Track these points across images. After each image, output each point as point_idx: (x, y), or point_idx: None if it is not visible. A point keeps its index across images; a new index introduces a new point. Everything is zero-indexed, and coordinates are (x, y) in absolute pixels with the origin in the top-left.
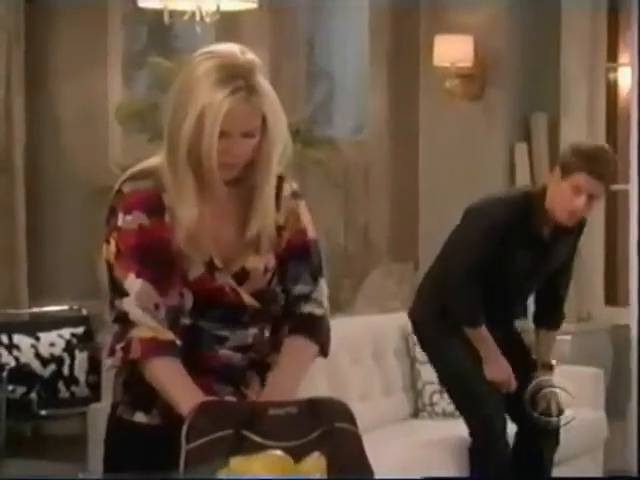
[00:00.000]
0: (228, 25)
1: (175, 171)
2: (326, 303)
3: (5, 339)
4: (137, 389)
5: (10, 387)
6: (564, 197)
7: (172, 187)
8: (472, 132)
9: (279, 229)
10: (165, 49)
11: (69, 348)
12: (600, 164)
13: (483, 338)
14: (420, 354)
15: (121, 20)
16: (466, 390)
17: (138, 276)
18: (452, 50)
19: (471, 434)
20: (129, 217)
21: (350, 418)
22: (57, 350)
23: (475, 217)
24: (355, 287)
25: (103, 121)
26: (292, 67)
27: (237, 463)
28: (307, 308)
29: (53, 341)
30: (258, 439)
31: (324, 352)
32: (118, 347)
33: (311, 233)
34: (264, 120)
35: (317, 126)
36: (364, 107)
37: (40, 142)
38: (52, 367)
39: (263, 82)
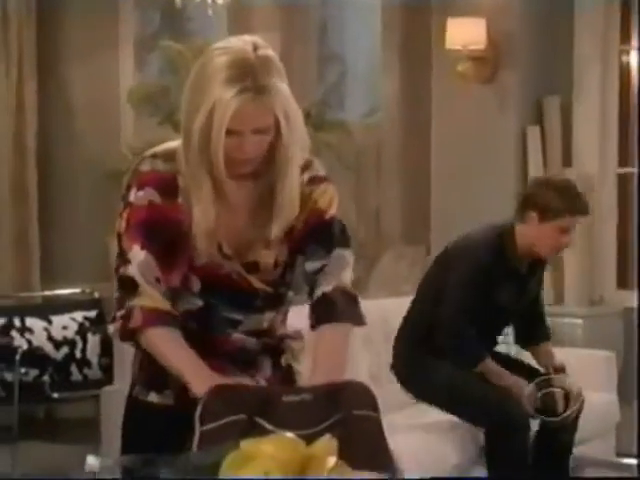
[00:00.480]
0: (240, 7)
1: (190, 167)
2: (344, 274)
3: (18, 322)
4: (151, 370)
5: (23, 370)
6: (549, 238)
7: (189, 183)
8: (484, 115)
9: (295, 218)
10: (177, 32)
11: (81, 331)
12: (580, 200)
13: (490, 369)
14: None
15: (133, 3)
16: (470, 392)
17: (142, 248)
18: (464, 33)
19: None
20: (141, 193)
21: (371, 404)
22: (70, 333)
23: (460, 261)
24: (367, 270)
25: (115, 105)
26: (304, 50)
27: (247, 445)
28: (320, 289)
29: (65, 324)
30: (270, 427)
31: (358, 322)
32: (118, 315)
33: (331, 212)
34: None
35: (329, 109)
36: (376, 90)
37: (52, 126)
38: (65, 350)
39: (274, 80)
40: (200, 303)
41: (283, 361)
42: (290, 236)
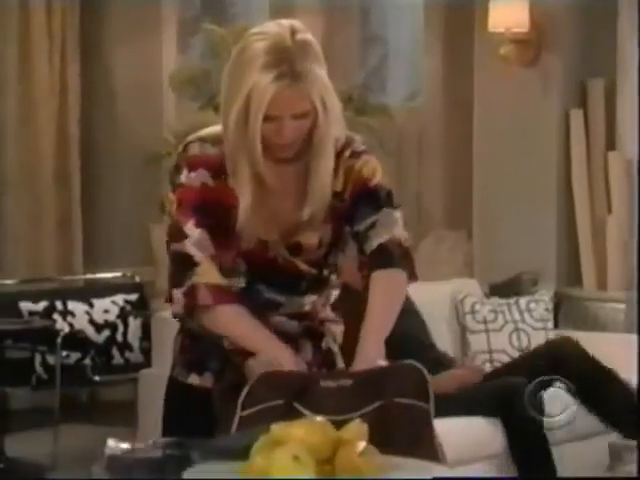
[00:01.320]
0: None
1: (229, 151)
2: (397, 229)
3: (60, 305)
4: (192, 352)
5: (64, 353)
6: None
7: (229, 166)
8: (527, 98)
9: (339, 194)
10: (219, 15)
11: (123, 315)
12: None
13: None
14: (471, 323)
15: None
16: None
17: (197, 225)
18: (507, 15)
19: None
20: (193, 174)
21: (417, 391)
22: (111, 316)
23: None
24: None
25: (157, 88)
26: (346, 32)
27: (277, 429)
28: (375, 241)
29: (107, 308)
30: (307, 412)
31: (411, 275)
32: (179, 293)
33: (375, 180)
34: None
35: (370, 93)
36: (418, 73)
37: (95, 110)
38: (106, 333)
39: (311, 66)
40: (242, 284)
41: (323, 344)
42: (335, 213)
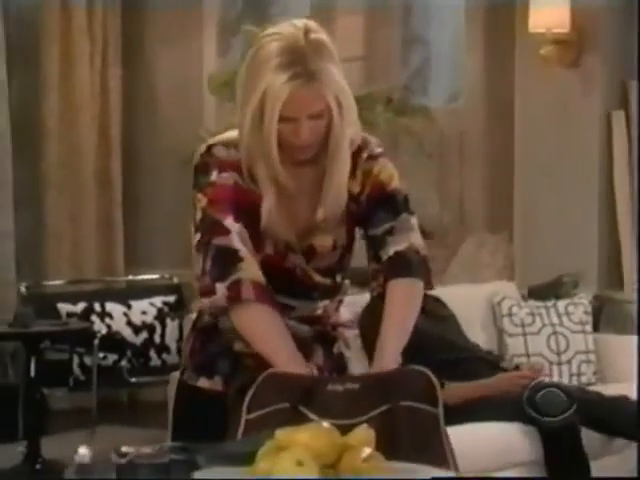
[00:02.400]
0: None
1: (244, 155)
2: (415, 235)
3: (98, 307)
4: (202, 355)
5: (101, 354)
6: None
7: (245, 170)
8: (568, 99)
9: (356, 196)
10: (260, 15)
11: (160, 316)
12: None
13: (457, 391)
14: (508, 326)
15: None
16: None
17: (236, 221)
18: (548, 16)
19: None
20: (225, 174)
21: (425, 395)
22: (149, 318)
23: (371, 327)
24: (448, 257)
25: (198, 90)
26: (387, 33)
27: (282, 434)
28: (392, 249)
29: (145, 309)
30: (313, 416)
31: (428, 284)
32: (221, 286)
33: (392, 184)
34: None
35: (412, 95)
36: (460, 75)
37: (136, 112)
38: (144, 335)
39: (325, 65)
40: None
41: (335, 349)
42: (350, 215)
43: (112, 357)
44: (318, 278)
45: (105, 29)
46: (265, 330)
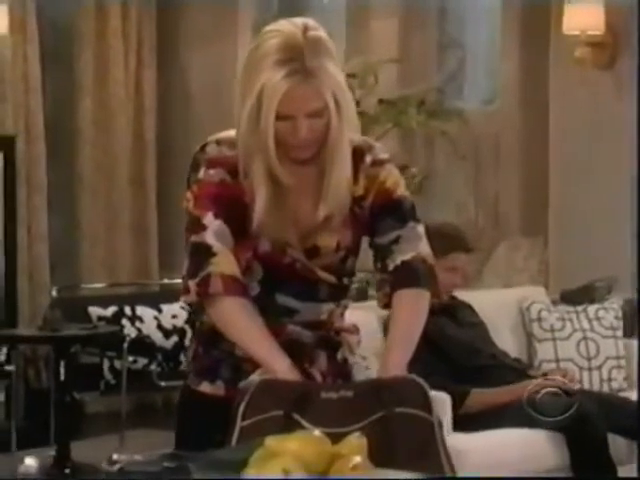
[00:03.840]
0: None
1: (241, 153)
2: (422, 245)
3: (129, 311)
4: (204, 360)
5: (131, 358)
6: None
7: (242, 168)
8: (603, 102)
9: (359, 200)
10: (295, 17)
11: (191, 320)
12: (461, 239)
13: (483, 397)
14: (537, 331)
15: None
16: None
17: (216, 217)
18: (582, 17)
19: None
20: (212, 171)
21: (419, 402)
22: (179, 322)
23: None
24: (483, 260)
25: (233, 91)
26: (423, 36)
27: (272, 441)
28: (398, 258)
29: (175, 313)
30: (307, 424)
31: (433, 293)
32: (192, 283)
33: (399, 192)
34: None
35: (447, 97)
36: (495, 77)
37: (171, 114)
38: (174, 339)
39: (323, 62)
40: (258, 289)
41: (339, 355)
42: (355, 219)
43: (142, 361)
44: (321, 273)
45: (139, 31)
46: (237, 320)
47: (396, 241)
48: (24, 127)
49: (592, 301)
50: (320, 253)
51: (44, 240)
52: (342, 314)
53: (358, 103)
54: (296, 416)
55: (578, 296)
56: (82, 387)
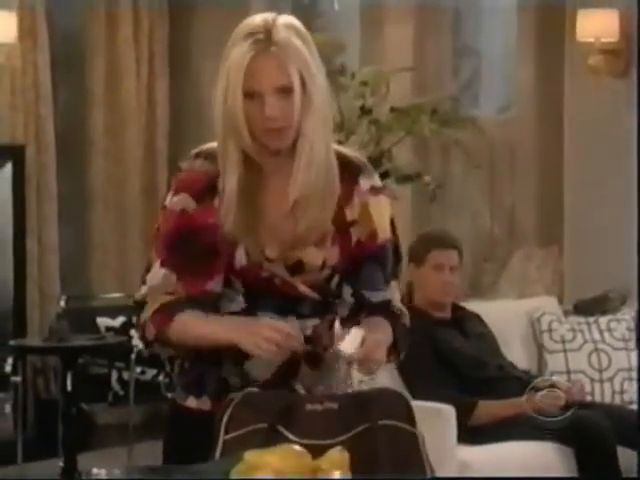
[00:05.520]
0: (372, 2)
1: (218, 140)
2: (398, 305)
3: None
4: (190, 374)
5: (139, 369)
6: (429, 279)
7: (220, 159)
8: (618, 110)
9: (351, 224)
10: (308, 27)
11: None
12: (444, 236)
13: (490, 409)
14: (548, 342)
15: None
16: None
17: (162, 265)
18: (596, 24)
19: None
20: (176, 198)
21: (403, 415)
22: None
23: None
24: (498, 270)
25: None
26: (438, 44)
27: (252, 456)
28: (380, 297)
29: None
30: (291, 436)
31: (397, 348)
32: (136, 335)
33: (382, 234)
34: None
35: (463, 105)
36: (511, 85)
37: (183, 124)
38: None
39: (292, 39)
40: (244, 304)
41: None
42: (343, 240)
43: (151, 372)
44: (303, 288)
45: (151, 39)
46: (181, 332)
47: (380, 302)
48: (34, 136)
49: (605, 312)
50: (304, 269)
51: (54, 250)
52: (330, 328)
53: (370, 111)
54: (281, 428)
55: (592, 307)
56: (90, 398)
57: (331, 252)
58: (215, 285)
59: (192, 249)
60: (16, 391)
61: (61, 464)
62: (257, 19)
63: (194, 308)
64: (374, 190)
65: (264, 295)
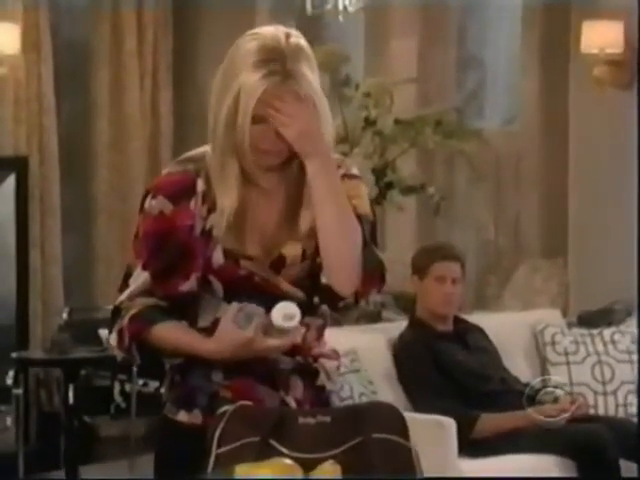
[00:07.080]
0: (377, 12)
1: (217, 155)
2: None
3: None
4: (181, 388)
5: (141, 381)
6: (432, 291)
7: (215, 172)
8: (623, 122)
9: None
10: (313, 39)
11: None
12: (445, 248)
13: (492, 422)
14: (551, 354)
15: (269, 10)
16: None
17: (144, 268)
18: (601, 36)
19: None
20: (154, 202)
21: (396, 428)
22: None
23: (406, 358)
24: (503, 282)
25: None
26: (442, 56)
27: (243, 469)
28: None
29: None
30: (284, 450)
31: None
32: (113, 340)
33: (360, 209)
34: None
35: (467, 116)
36: (515, 96)
37: (187, 135)
38: None
39: (303, 68)
40: (224, 304)
41: (318, 382)
42: None
43: (153, 384)
44: (286, 286)
45: (155, 51)
46: (162, 339)
47: None
48: (38, 147)
49: (610, 324)
50: (286, 263)
51: (57, 262)
52: (318, 338)
53: (374, 122)
54: (273, 442)
55: (596, 319)
56: (92, 410)
57: (309, 242)
58: (191, 285)
59: (169, 250)
60: (18, 403)
61: (63, 477)
62: (268, 40)
63: (170, 311)
64: (348, 176)
65: (244, 294)
